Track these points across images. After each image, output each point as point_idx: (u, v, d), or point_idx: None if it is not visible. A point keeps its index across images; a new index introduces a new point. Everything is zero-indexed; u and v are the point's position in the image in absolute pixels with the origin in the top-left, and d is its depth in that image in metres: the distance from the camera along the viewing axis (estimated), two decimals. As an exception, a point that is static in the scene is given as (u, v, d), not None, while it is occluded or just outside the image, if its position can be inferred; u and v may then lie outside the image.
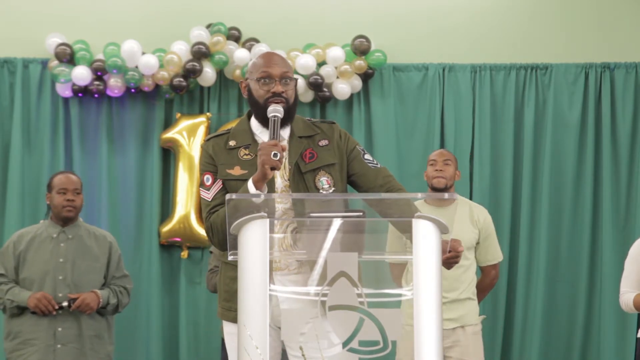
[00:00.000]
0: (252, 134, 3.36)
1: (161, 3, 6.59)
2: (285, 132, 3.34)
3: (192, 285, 6.40)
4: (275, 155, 3.05)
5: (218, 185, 3.30)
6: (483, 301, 6.13)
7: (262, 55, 3.39)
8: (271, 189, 3.23)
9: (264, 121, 3.27)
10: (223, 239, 3.15)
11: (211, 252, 5.06)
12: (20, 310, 4.78)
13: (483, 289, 5.10)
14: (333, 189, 3.30)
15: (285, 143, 3.31)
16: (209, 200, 3.28)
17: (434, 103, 6.50)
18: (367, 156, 3.42)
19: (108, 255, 4.95)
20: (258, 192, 3.11)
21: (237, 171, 3.26)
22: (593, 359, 6.38)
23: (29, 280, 4.81)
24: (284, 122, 3.27)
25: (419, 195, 3.15)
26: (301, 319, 2.73)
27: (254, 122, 3.38)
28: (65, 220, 4.90)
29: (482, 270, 5.10)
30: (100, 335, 4.88)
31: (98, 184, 6.41)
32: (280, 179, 3.29)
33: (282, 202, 3.20)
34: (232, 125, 6.27)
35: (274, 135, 3.14)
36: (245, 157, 3.30)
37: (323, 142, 3.36)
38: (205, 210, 3.30)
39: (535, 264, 6.39)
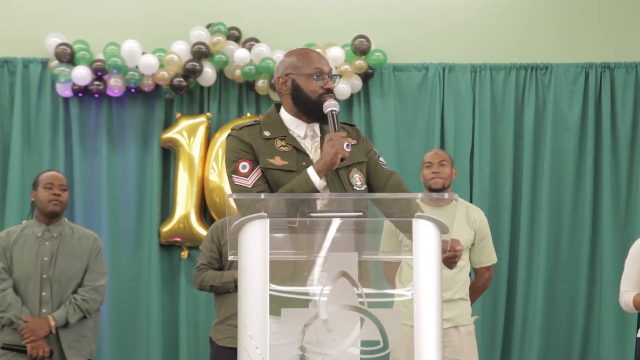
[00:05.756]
0: (285, 126, 3.35)
1: (161, 3, 6.59)
2: (317, 129, 3.36)
3: (192, 285, 6.38)
4: (347, 146, 3.14)
5: (257, 172, 3.27)
6: (483, 301, 6.15)
7: (306, 52, 3.40)
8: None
9: (315, 116, 3.31)
10: None
11: (200, 250, 5.07)
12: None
13: (476, 290, 5.08)
14: (365, 186, 3.33)
15: (317, 139, 3.35)
16: (249, 187, 3.24)
17: (434, 103, 6.50)
18: (381, 159, 3.46)
19: (89, 252, 4.94)
20: (322, 181, 3.17)
21: (278, 161, 3.26)
22: (593, 359, 6.38)
23: (16, 280, 4.84)
24: (324, 119, 3.31)
25: (419, 195, 3.15)
26: (301, 319, 2.72)
27: (285, 115, 3.37)
28: (50, 216, 4.89)
29: (476, 272, 5.08)
30: (84, 334, 4.91)
31: (98, 184, 6.42)
32: None
33: (319, 197, 3.19)
34: (232, 124, 6.30)
35: (337, 128, 3.20)
36: (282, 148, 3.29)
37: (352, 141, 3.36)
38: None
39: (535, 264, 6.38)
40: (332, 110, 3.24)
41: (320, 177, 3.17)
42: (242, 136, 3.31)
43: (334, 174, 3.28)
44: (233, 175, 3.28)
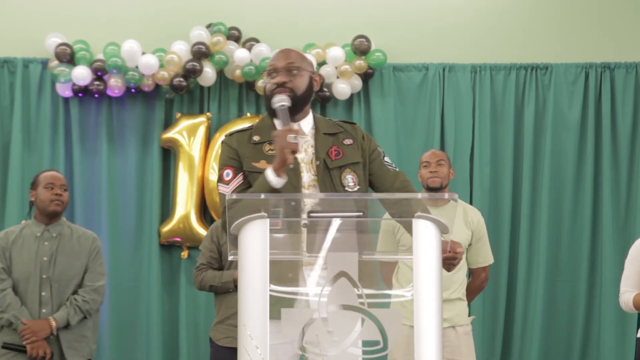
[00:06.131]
0: (275, 129, 3.34)
1: (161, 3, 6.59)
2: (307, 126, 3.35)
3: (192, 285, 6.38)
4: (294, 138, 3.08)
5: (238, 180, 3.28)
6: (483, 301, 6.16)
7: (276, 52, 3.43)
8: (298, 183, 3.25)
9: (273, 113, 3.29)
10: None
11: (200, 250, 5.08)
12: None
13: (472, 291, 5.09)
14: (358, 187, 3.30)
15: (308, 135, 3.32)
16: (228, 194, 3.25)
17: (434, 103, 6.50)
18: (386, 159, 3.43)
19: (88, 252, 4.93)
20: (279, 179, 3.13)
21: (263, 165, 3.24)
22: (593, 359, 6.38)
23: (15, 280, 4.83)
24: (295, 112, 3.29)
25: (419, 195, 3.14)
26: (301, 319, 2.72)
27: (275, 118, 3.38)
28: (51, 216, 4.87)
29: (472, 273, 5.08)
30: (84, 334, 4.91)
31: (98, 184, 6.42)
32: (307, 173, 3.28)
33: (310, 197, 3.18)
34: (233, 124, 6.32)
35: (286, 123, 3.16)
36: (270, 152, 3.28)
37: (348, 141, 3.35)
38: (222, 206, 3.28)
39: (535, 263, 6.39)
40: (280, 106, 3.21)
41: (279, 176, 3.12)
42: (230, 142, 3.34)
43: (326, 173, 3.27)
44: (218, 183, 3.31)
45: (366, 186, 3.36)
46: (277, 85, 3.29)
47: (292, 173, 3.24)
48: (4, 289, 4.79)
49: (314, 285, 3.08)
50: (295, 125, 3.30)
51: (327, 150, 3.30)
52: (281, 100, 3.22)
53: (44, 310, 4.80)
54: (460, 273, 4.90)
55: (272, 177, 3.13)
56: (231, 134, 3.38)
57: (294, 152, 3.10)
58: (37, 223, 4.90)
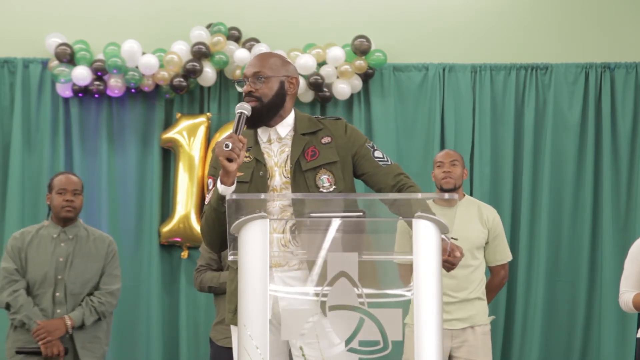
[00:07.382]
0: (257, 135, 3.36)
1: (161, 3, 6.59)
2: (284, 130, 3.34)
3: (192, 286, 6.38)
4: (226, 145, 3.04)
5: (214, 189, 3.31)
6: (484, 301, 6.15)
7: None
8: (264, 185, 3.25)
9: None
10: (209, 240, 3.26)
11: (200, 251, 5.09)
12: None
13: (492, 289, 5.10)
14: (334, 187, 3.28)
15: (261, 143, 3.33)
16: (206, 203, 3.29)
17: (434, 103, 6.50)
18: (377, 153, 3.38)
19: (105, 255, 4.98)
20: (226, 187, 3.10)
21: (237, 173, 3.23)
22: (593, 359, 6.38)
23: (31, 280, 4.86)
24: (262, 120, 3.29)
25: (419, 195, 3.14)
26: (301, 319, 2.73)
27: None
28: (64, 221, 4.94)
29: (491, 271, 5.10)
30: (97, 335, 4.95)
31: (98, 184, 6.41)
32: (280, 176, 3.28)
33: (280, 198, 3.20)
34: (232, 125, 6.30)
35: (236, 130, 3.13)
36: (245, 159, 3.28)
37: (325, 140, 3.34)
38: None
39: (535, 264, 6.39)
40: (239, 113, 3.19)
41: (224, 183, 3.10)
42: (215, 151, 3.32)
43: (300, 175, 3.27)
44: (206, 193, 3.32)
45: (346, 184, 3.32)
46: (244, 94, 3.30)
47: (259, 178, 3.26)
48: (17, 290, 4.82)
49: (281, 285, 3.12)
50: (273, 132, 3.32)
51: (304, 152, 3.30)
52: (241, 108, 3.21)
53: (58, 311, 4.84)
54: (478, 272, 4.91)
55: (219, 185, 3.12)
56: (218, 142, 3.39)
57: (229, 159, 3.06)
58: (54, 224, 4.97)
